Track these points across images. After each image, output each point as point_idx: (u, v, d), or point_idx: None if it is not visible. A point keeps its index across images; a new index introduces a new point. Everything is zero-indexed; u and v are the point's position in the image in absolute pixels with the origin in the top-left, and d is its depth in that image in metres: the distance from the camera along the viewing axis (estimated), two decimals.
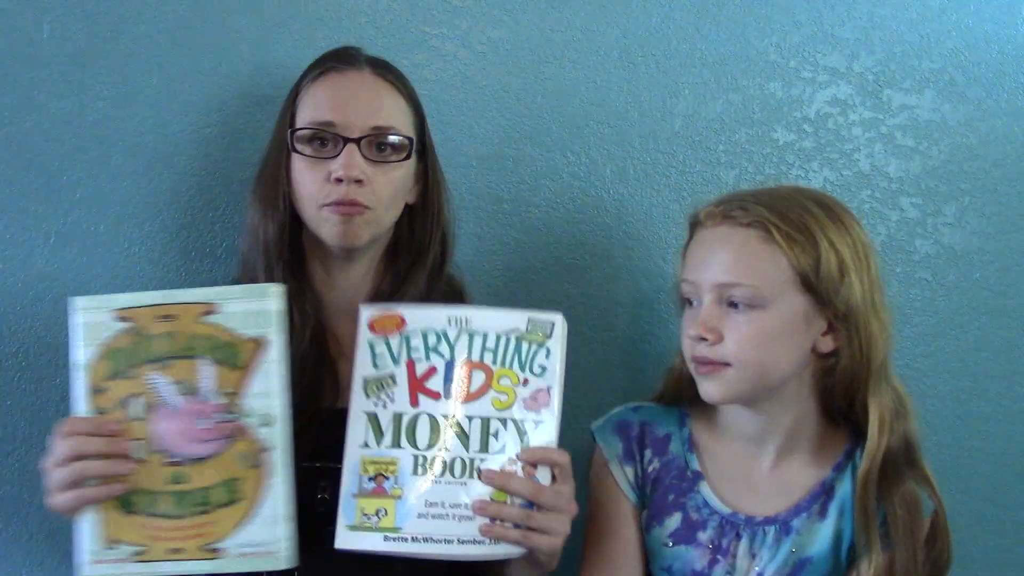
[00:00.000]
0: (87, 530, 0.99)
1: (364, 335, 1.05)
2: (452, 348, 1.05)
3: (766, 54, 1.47)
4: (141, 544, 0.99)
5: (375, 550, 1.01)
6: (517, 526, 1.02)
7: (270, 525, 0.99)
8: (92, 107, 1.27)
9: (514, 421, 1.04)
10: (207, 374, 1.00)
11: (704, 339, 1.09)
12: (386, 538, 1.01)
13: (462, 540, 1.02)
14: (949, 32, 1.52)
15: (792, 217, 1.09)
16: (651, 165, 1.44)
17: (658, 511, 1.18)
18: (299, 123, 1.15)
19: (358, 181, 1.11)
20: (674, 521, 1.17)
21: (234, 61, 1.30)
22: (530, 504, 1.03)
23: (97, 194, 1.27)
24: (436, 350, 1.05)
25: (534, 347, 1.05)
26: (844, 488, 1.16)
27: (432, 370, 1.05)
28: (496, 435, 1.04)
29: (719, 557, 1.15)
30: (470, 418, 1.04)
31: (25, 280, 1.26)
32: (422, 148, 1.21)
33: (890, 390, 1.14)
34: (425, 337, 1.05)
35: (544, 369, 1.05)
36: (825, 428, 1.18)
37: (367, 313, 1.05)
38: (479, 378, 1.05)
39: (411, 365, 1.05)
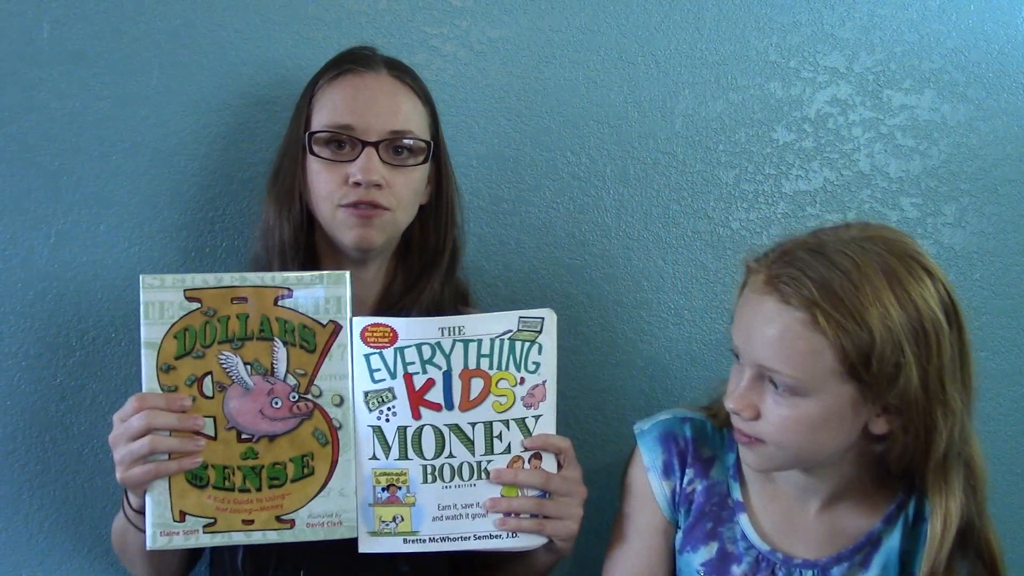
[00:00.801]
0: (156, 503, 1.01)
1: (358, 348, 1.05)
2: (448, 359, 1.06)
3: (766, 54, 1.47)
4: (210, 516, 1.02)
5: (397, 552, 1.05)
6: (532, 516, 1.05)
7: (339, 498, 1.04)
8: (92, 107, 1.26)
9: (515, 420, 1.06)
10: (281, 355, 1.03)
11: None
12: (405, 541, 1.05)
13: (478, 536, 1.06)
14: (949, 32, 1.52)
15: (845, 297, 0.96)
16: (651, 165, 1.44)
17: (693, 537, 1.14)
18: (316, 125, 1.15)
19: (377, 185, 1.12)
20: (709, 551, 1.13)
21: (234, 61, 1.30)
22: (542, 494, 1.06)
23: (97, 194, 1.27)
24: (432, 362, 1.06)
25: (527, 345, 1.06)
26: (892, 541, 1.10)
27: (430, 382, 1.06)
28: (500, 436, 1.06)
29: None
30: (473, 424, 1.06)
31: (25, 280, 1.26)
32: (436, 149, 1.21)
33: (960, 472, 1.03)
34: (420, 350, 1.05)
35: (538, 365, 1.06)
36: (878, 478, 1.10)
37: (358, 324, 1.05)
38: (478, 385, 1.06)
39: (409, 379, 1.06)
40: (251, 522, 1.03)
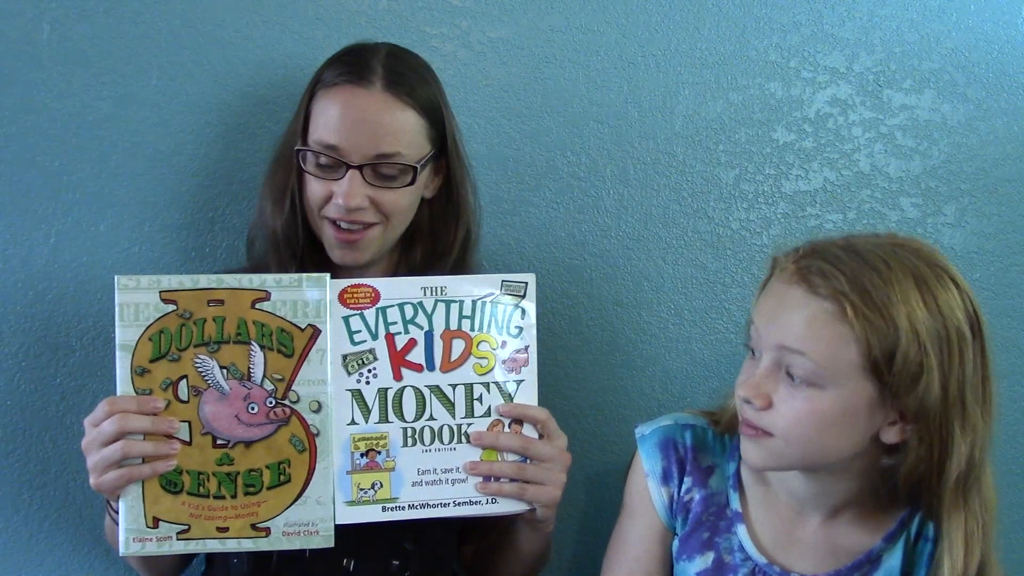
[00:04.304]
0: (129, 509, 1.00)
1: (336, 310, 1.04)
2: (430, 318, 1.06)
3: (766, 54, 1.46)
4: (184, 523, 1.00)
5: (375, 521, 1.04)
6: (513, 481, 1.05)
7: (316, 506, 1.02)
8: (92, 107, 1.26)
9: (496, 384, 1.07)
10: (258, 360, 1.01)
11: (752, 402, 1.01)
12: (384, 508, 1.04)
13: (458, 502, 1.06)
14: (949, 32, 1.52)
15: (875, 294, 0.95)
16: (651, 165, 1.44)
17: (689, 546, 1.13)
18: (308, 137, 1.14)
19: (359, 208, 1.11)
20: (705, 560, 1.12)
21: (234, 61, 1.30)
22: (523, 459, 1.06)
23: (97, 194, 1.27)
24: (414, 322, 1.06)
25: (509, 309, 1.07)
26: (892, 560, 1.08)
27: (412, 342, 1.06)
28: (480, 399, 1.06)
29: None
30: (453, 386, 1.06)
31: (25, 280, 1.26)
32: (443, 145, 1.18)
33: (980, 496, 1.02)
34: (402, 309, 1.05)
35: (520, 329, 1.07)
36: (881, 495, 1.07)
37: (337, 287, 1.04)
38: (459, 346, 1.06)
39: (391, 339, 1.05)
40: (226, 529, 1.01)
